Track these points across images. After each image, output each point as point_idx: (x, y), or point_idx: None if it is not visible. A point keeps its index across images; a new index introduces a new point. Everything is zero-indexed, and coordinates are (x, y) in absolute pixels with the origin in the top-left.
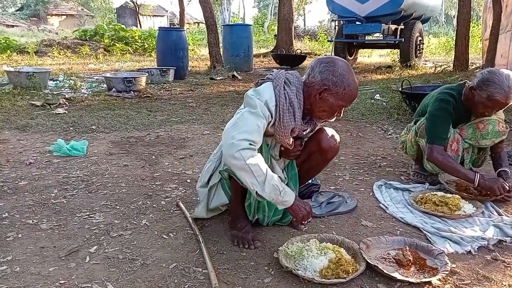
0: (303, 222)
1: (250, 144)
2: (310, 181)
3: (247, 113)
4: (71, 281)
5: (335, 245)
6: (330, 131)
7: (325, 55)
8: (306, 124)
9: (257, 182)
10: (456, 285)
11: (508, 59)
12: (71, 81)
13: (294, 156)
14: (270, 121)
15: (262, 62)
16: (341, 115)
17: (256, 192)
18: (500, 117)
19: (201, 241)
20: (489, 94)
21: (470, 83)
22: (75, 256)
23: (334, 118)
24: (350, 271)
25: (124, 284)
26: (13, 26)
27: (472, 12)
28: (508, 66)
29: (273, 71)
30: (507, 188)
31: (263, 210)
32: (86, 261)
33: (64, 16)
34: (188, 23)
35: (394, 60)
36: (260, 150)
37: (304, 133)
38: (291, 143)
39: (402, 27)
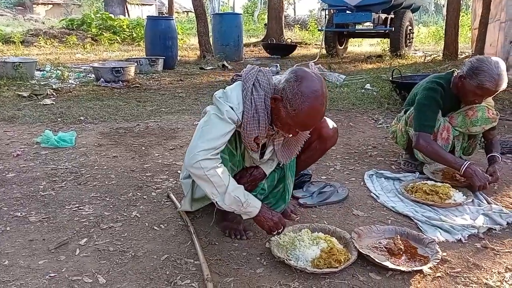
0: (272, 232)
1: (213, 154)
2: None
3: (214, 117)
4: (61, 274)
5: (326, 235)
6: (329, 121)
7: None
8: (274, 130)
9: (217, 192)
10: (447, 273)
11: (497, 48)
12: (58, 71)
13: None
14: (238, 124)
15: (253, 51)
16: (295, 135)
17: (216, 202)
18: (489, 103)
19: (192, 232)
20: (478, 82)
21: (459, 71)
22: (65, 249)
23: (290, 135)
24: (342, 260)
25: (115, 276)
26: None
27: (461, 1)
28: (497, 55)
29: (246, 67)
30: (487, 187)
31: None
32: (76, 254)
33: (51, 5)
34: (177, 12)
35: (384, 50)
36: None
37: (275, 141)
38: (256, 149)
39: (392, 16)
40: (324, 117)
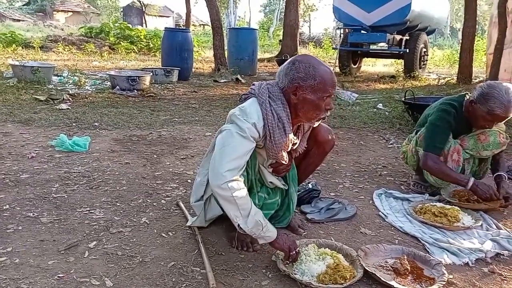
0: (289, 256)
1: (237, 174)
2: (310, 186)
3: (237, 135)
4: (70, 275)
5: (333, 251)
6: (324, 125)
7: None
8: (295, 136)
9: (241, 215)
10: None
11: None
12: (75, 77)
13: (285, 172)
14: (259, 140)
15: (266, 66)
16: (331, 106)
17: (238, 225)
18: (501, 128)
19: (200, 241)
20: (489, 108)
21: (470, 95)
22: (74, 251)
23: (327, 113)
24: (348, 277)
25: (122, 280)
26: (19, 20)
27: (477, 26)
28: (511, 81)
29: (254, 84)
30: (498, 196)
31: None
32: (85, 256)
33: (70, 13)
34: (193, 24)
35: (398, 70)
36: (251, 159)
37: (295, 146)
38: (285, 158)
39: (407, 37)
40: (320, 123)
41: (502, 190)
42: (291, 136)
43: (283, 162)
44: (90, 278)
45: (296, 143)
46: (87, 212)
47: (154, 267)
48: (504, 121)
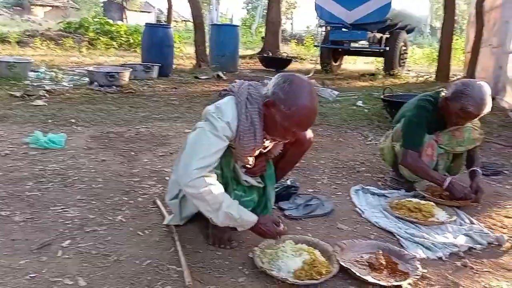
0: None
1: (206, 172)
2: (289, 183)
3: (209, 133)
4: (42, 274)
5: (310, 247)
6: None
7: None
8: (268, 141)
9: (211, 209)
10: None
11: (488, 72)
12: (52, 73)
13: (260, 173)
14: (232, 140)
15: (248, 63)
16: (291, 140)
17: (211, 219)
18: (475, 124)
19: (176, 239)
20: (462, 105)
21: (446, 92)
22: (47, 250)
23: (285, 140)
24: (324, 272)
25: (96, 280)
26: None
27: (456, 25)
28: (488, 79)
29: (235, 82)
30: (472, 197)
31: None
32: (58, 255)
33: (49, 7)
34: (175, 20)
35: (378, 68)
36: (225, 157)
37: (265, 150)
38: (251, 162)
39: (388, 36)
40: None
41: (474, 184)
42: (261, 141)
43: (248, 165)
44: (63, 278)
45: (267, 146)
46: (61, 210)
47: (129, 266)
48: (477, 118)
